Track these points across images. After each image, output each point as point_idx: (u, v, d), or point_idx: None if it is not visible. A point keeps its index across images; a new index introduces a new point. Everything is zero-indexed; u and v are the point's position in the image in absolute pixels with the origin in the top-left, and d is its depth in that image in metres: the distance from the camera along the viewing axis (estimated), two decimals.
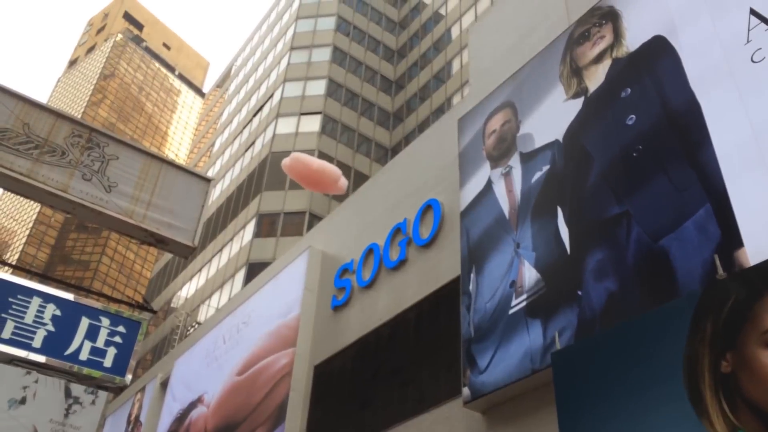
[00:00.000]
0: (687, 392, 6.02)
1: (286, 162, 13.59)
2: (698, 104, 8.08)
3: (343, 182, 13.45)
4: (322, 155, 38.44)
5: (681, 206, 7.81)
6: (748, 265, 6.63)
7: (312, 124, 40.13)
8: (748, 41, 7.87)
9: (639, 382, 6.60)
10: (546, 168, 10.40)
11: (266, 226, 35.68)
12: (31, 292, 9.43)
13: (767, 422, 5.34)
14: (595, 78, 10.11)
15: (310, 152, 38.35)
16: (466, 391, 9.83)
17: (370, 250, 15.05)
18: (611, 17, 10.33)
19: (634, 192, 8.56)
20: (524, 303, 9.59)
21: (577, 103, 10.24)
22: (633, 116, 9.04)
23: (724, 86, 7.83)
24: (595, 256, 8.77)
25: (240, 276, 34.07)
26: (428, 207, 13.59)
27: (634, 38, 9.71)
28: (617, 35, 10.05)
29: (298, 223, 34.68)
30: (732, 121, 7.60)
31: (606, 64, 10.03)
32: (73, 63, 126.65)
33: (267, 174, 37.84)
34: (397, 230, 14.35)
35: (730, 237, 7.05)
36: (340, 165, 38.96)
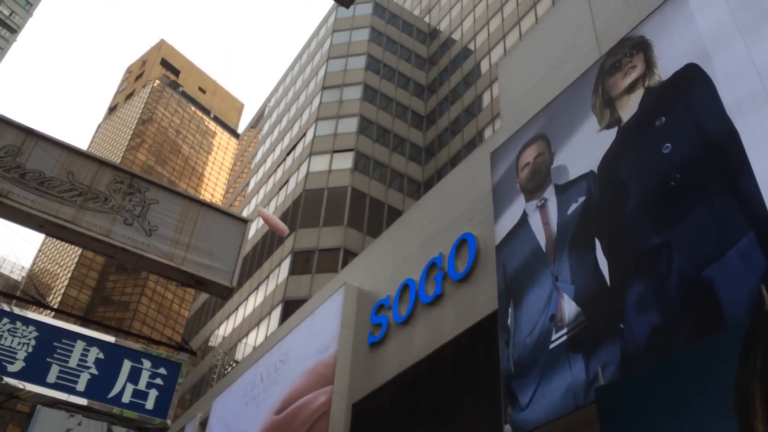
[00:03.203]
0: (739, 428, 5.80)
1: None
2: (736, 131, 7.96)
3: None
4: (356, 191, 38.70)
5: (723, 235, 7.63)
6: None
7: (345, 161, 40.54)
8: None
9: (688, 418, 6.40)
10: (582, 199, 10.29)
11: (301, 263, 35.87)
12: (75, 337, 9.62)
13: None
14: (628, 108, 10.04)
15: (344, 189, 38.67)
16: (508, 428, 9.62)
17: (405, 286, 14.99)
18: (642, 47, 10.30)
19: (674, 222, 8.40)
20: (565, 337, 9.40)
21: (611, 134, 10.17)
22: (669, 145, 8.93)
23: (763, 112, 7.70)
24: (636, 288, 8.59)
25: (276, 314, 34.19)
26: (463, 241, 13.52)
27: (666, 67, 9.65)
28: (649, 64, 10.01)
29: (332, 260, 34.79)
30: None
31: (639, 94, 9.97)
32: (112, 109, 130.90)
33: (301, 211, 38.22)
34: (433, 265, 14.28)
35: None
36: (374, 201, 39.19)
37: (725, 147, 8.07)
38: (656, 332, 8.01)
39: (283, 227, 11.89)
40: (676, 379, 6.74)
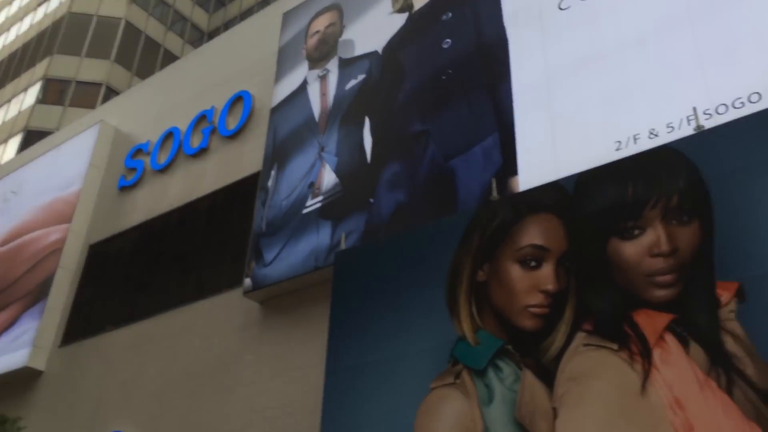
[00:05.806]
0: (446, 296, 6.69)
1: None
2: (506, 39, 8.63)
3: None
4: (129, 26, 34.88)
5: (474, 132, 8.41)
6: (518, 191, 7.41)
7: None
8: None
9: (408, 284, 7.18)
10: (362, 77, 10.51)
11: (53, 92, 31.95)
12: None
13: (503, 323, 6.20)
14: None
15: (116, 20, 34.62)
16: (247, 281, 9.94)
17: (169, 134, 14.25)
18: None
19: (437, 113, 9.02)
20: (319, 204, 9.81)
21: (401, 18, 10.39)
22: (449, 40, 9.41)
23: (532, 27, 8.43)
24: (392, 168, 9.18)
25: (15, 142, 30.48)
26: (239, 98, 13.11)
27: None
28: None
29: (92, 95, 31.49)
30: (531, 61, 8.25)
31: None
32: None
33: (62, 36, 33.55)
34: (203, 117, 13.71)
35: (509, 165, 7.80)
36: (149, 41, 35.82)
37: (494, 52, 8.73)
38: (400, 209, 8.73)
39: None
40: (406, 250, 7.48)
